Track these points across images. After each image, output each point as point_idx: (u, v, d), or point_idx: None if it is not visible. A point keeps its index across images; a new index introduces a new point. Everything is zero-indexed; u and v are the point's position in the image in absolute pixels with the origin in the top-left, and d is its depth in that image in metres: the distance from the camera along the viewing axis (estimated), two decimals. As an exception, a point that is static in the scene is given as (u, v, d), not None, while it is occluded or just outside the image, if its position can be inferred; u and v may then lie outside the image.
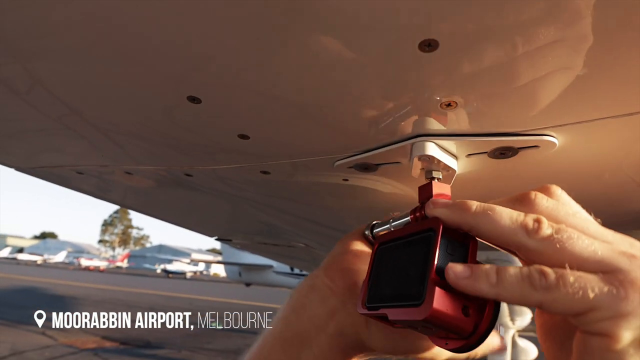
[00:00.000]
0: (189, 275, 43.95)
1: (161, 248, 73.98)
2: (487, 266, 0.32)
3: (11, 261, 49.87)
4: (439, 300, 0.35)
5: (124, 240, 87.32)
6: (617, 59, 0.34)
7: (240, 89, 0.42)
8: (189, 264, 46.34)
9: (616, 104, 0.39)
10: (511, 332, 4.90)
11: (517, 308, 4.75)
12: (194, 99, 0.44)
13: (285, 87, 0.41)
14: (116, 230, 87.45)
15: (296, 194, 0.77)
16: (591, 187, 0.60)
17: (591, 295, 0.28)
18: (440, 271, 0.36)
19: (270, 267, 12.95)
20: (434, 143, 0.46)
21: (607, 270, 0.29)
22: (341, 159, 0.55)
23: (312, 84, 0.40)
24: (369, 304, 0.45)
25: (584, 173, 0.54)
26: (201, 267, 49.44)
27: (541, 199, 0.35)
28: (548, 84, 0.37)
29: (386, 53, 0.34)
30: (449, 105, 0.40)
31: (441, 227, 0.38)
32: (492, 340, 0.41)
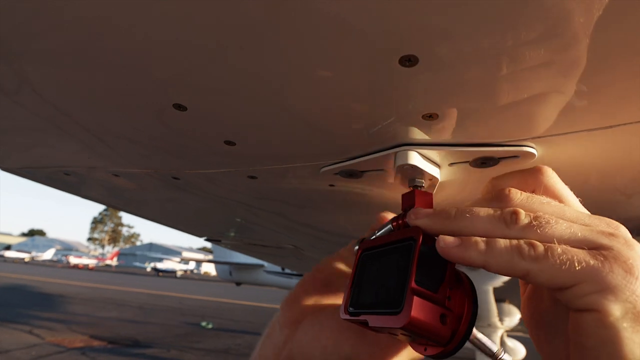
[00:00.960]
0: (179, 274, 43.74)
1: (152, 246, 73.39)
2: (476, 237, 0.33)
3: (-2, 258, 49.13)
4: (417, 309, 0.35)
5: (114, 238, 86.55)
6: (594, 74, 0.35)
7: (225, 97, 0.43)
8: (179, 262, 46.04)
9: (593, 117, 0.40)
10: (500, 332, 4.92)
11: (506, 308, 4.73)
12: (179, 107, 0.44)
13: (269, 96, 0.42)
14: (106, 228, 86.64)
15: (283, 198, 0.78)
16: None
17: (578, 267, 0.29)
18: (419, 280, 0.37)
19: (261, 266, 12.92)
20: (417, 152, 0.47)
21: (590, 248, 0.30)
22: (327, 166, 0.55)
23: (295, 94, 0.40)
24: (351, 309, 0.46)
25: (566, 182, 0.56)
26: (192, 265, 49.18)
27: (515, 193, 0.36)
28: (526, 97, 0.38)
29: (368, 67, 0.34)
30: (430, 117, 0.41)
31: (421, 237, 0.39)
32: None
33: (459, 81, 0.36)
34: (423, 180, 0.51)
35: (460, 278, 0.40)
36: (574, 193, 0.59)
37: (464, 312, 0.37)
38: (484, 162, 0.49)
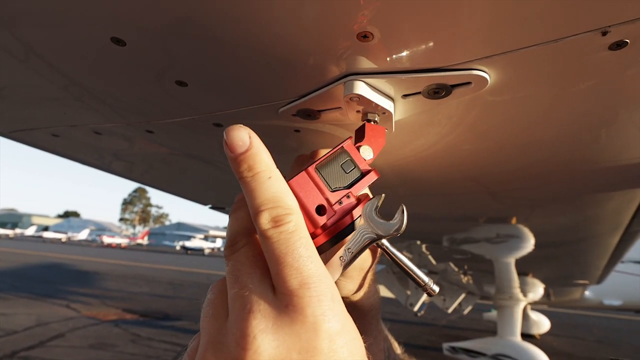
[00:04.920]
0: (207, 251, 45.02)
1: (180, 225, 75.61)
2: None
3: (37, 239, 51.83)
4: (298, 182, 0.37)
5: (144, 219, 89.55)
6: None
7: (163, 29, 0.42)
8: (205, 239, 47.34)
9: (539, 29, 0.37)
10: (522, 304, 4.87)
11: (530, 281, 4.68)
12: (118, 41, 0.44)
13: (207, 26, 0.41)
14: (136, 209, 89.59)
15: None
16: (532, 128, 0.59)
17: None
18: (321, 171, 0.39)
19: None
20: (363, 82, 0.45)
21: None
22: (284, 106, 0.54)
23: (224, 22, 0.39)
24: None
25: (522, 113, 0.53)
26: (219, 243, 50.51)
27: None
28: (465, 9, 0.36)
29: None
30: (365, 37, 0.39)
31: (345, 142, 0.42)
32: None
33: (383, -10, 0.33)
34: (376, 114, 0.49)
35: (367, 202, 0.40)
36: (536, 124, 0.56)
37: (342, 221, 0.38)
38: (436, 91, 0.46)
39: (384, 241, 0.48)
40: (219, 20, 0.39)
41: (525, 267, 3.75)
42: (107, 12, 0.40)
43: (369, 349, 0.62)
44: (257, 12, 0.37)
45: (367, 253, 0.52)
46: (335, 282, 0.52)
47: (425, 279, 0.43)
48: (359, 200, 0.40)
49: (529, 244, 2.15)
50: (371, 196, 0.51)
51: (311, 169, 0.38)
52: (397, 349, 0.74)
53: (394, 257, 0.47)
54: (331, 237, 0.37)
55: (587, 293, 6.56)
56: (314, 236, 0.37)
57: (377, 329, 0.64)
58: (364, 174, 0.40)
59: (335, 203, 0.38)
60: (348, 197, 0.39)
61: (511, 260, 3.13)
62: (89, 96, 0.60)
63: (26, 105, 0.71)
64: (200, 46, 0.44)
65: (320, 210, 0.37)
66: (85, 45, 0.46)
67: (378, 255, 0.54)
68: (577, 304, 7.15)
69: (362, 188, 0.40)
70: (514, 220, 1.65)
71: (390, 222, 0.38)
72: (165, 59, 0.47)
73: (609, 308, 7.15)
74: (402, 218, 0.38)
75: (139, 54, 0.46)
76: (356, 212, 0.38)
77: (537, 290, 5.40)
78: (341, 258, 0.38)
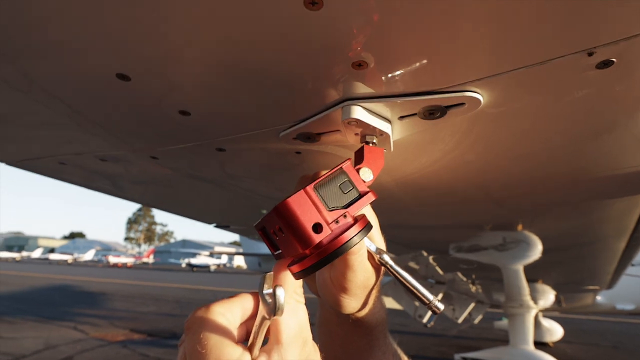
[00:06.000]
0: (212, 268, 44.86)
1: (185, 243, 75.51)
2: None
3: (43, 261, 51.84)
4: (296, 200, 0.38)
5: (149, 237, 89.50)
6: (521, 11, 0.33)
7: (167, 64, 0.44)
8: (210, 256, 47.19)
9: (526, 52, 0.39)
10: (533, 312, 4.73)
11: (540, 288, 4.59)
12: (123, 77, 0.46)
13: (206, 59, 0.42)
14: (140, 228, 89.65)
15: (257, 172, 0.79)
16: (530, 141, 0.60)
17: None
18: (319, 190, 0.40)
19: (289, 256, 13.06)
20: (360, 106, 0.47)
21: None
22: (284, 130, 0.56)
23: (224, 53, 0.41)
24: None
25: (519, 129, 0.54)
26: (224, 260, 50.35)
27: None
28: (455, 35, 0.37)
29: (275, 13, 0.34)
30: (360, 65, 0.41)
31: (344, 163, 0.43)
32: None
33: (375, 22, 0.35)
34: (374, 137, 0.51)
35: (364, 222, 0.41)
36: (529, 140, 0.57)
37: (337, 241, 0.39)
38: (432, 112, 0.48)
39: (387, 259, 0.48)
40: (221, 51, 0.41)
41: (534, 274, 3.72)
42: (112, 50, 0.42)
43: None
44: (257, 43, 0.39)
45: (370, 271, 0.52)
46: (340, 300, 0.52)
47: (430, 297, 0.43)
48: (356, 220, 0.40)
49: (537, 250, 2.14)
50: (369, 216, 0.51)
51: (309, 188, 0.39)
52: None
53: (398, 275, 0.47)
54: (324, 256, 0.38)
55: (598, 298, 6.47)
56: (308, 260, 0.38)
57: (385, 344, 0.64)
58: (361, 195, 0.41)
59: (332, 222, 0.39)
60: (345, 216, 0.40)
61: (520, 267, 3.09)
62: (94, 126, 0.61)
63: (33, 136, 0.73)
64: (204, 78, 0.46)
65: (317, 228, 0.38)
66: (91, 82, 0.48)
67: (382, 272, 0.54)
68: (589, 309, 7.05)
69: (360, 208, 0.41)
70: (520, 227, 1.65)
71: (270, 302, 0.34)
72: (168, 91, 0.49)
73: (622, 313, 7.04)
74: (274, 301, 0.33)
75: (144, 88, 0.48)
76: (352, 232, 0.39)
77: (548, 296, 5.33)
78: (250, 338, 0.37)
